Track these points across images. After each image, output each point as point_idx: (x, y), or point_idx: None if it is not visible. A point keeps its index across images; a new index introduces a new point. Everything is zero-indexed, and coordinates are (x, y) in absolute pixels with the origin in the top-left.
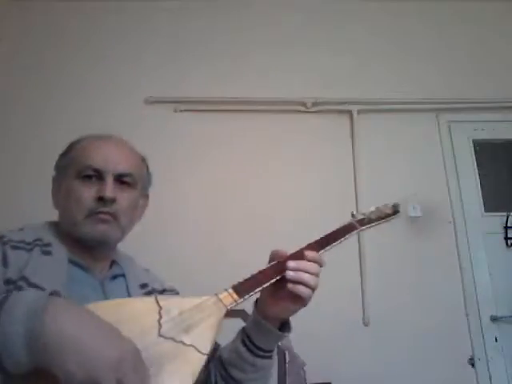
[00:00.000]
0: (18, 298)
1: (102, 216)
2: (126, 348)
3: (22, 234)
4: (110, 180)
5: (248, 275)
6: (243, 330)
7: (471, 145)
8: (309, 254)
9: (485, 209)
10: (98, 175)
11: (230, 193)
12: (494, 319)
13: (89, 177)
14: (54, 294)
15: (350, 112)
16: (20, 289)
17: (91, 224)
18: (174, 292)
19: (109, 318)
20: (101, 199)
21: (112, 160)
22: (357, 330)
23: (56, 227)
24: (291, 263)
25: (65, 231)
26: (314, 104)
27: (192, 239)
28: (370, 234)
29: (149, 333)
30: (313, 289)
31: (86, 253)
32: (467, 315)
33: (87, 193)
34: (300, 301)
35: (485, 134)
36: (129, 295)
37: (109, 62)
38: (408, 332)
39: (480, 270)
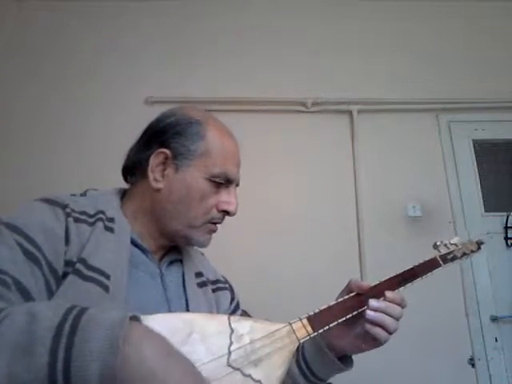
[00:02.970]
0: (93, 321)
1: (215, 227)
2: None
3: (84, 203)
4: (235, 193)
5: (325, 305)
6: (301, 351)
7: (471, 145)
8: (390, 294)
9: (485, 209)
10: (226, 182)
11: None
12: (493, 319)
13: (219, 182)
14: (133, 318)
15: (350, 112)
16: (78, 273)
17: (204, 232)
18: (226, 284)
19: (179, 334)
20: (225, 213)
21: (238, 169)
22: None
23: (122, 199)
24: (373, 302)
25: (153, 215)
26: (314, 104)
27: None
28: (370, 234)
29: (218, 359)
30: (391, 333)
31: (159, 240)
32: (467, 315)
33: (214, 200)
34: (374, 343)
35: (485, 134)
36: (184, 284)
37: (109, 62)
38: (408, 332)
39: (480, 270)
